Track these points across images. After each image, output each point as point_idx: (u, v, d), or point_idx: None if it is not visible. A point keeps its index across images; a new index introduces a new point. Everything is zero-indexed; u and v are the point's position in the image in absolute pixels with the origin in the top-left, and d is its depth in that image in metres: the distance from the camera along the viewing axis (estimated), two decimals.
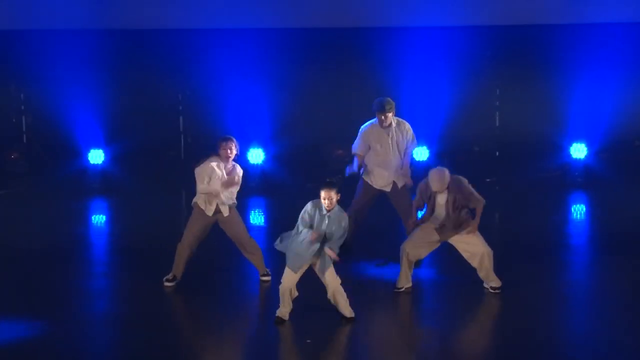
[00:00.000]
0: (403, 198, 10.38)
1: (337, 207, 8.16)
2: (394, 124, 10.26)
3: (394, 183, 10.34)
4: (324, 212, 8.12)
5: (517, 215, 13.21)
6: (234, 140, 9.41)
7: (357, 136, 10.39)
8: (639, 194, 14.55)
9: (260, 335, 8.18)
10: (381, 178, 10.35)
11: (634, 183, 15.12)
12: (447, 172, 8.95)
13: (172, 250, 9.56)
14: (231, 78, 15.80)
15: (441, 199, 9.00)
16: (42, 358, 7.78)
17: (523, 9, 15.27)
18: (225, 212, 9.35)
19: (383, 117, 10.13)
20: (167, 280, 9.48)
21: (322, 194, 8.12)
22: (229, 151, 9.32)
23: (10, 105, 16.19)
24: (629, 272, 10.14)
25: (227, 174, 9.34)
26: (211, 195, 9.26)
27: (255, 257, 9.56)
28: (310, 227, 8.12)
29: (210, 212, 9.32)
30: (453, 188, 8.97)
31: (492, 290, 9.13)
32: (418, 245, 9.13)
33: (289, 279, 8.21)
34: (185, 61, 15.77)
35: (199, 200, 9.37)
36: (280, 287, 8.24)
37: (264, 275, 9.58)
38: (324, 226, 8.11)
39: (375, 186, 10.40)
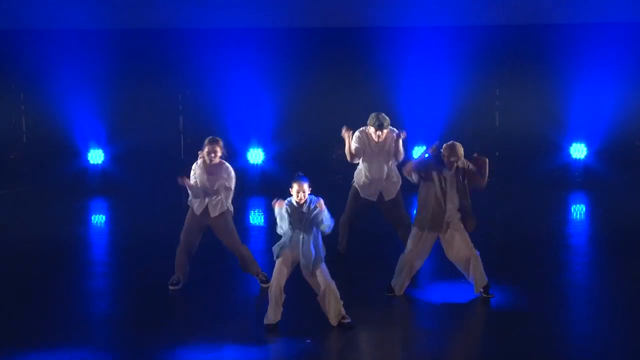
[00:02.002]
0: (395, 209, 10.36)
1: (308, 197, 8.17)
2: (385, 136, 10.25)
3: (381, 194, 10.32)
4: (301, 208, 8.10)
5: (517, 215, 13.22)
6: (220, 141, 9.36)
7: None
8: (639, 194, 14.57)
9: (260, 335, 8.18)
10: (366, 187, 10.33)
11: (634, 183, 15.13)
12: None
13: (172, 250, 9.56)
14: (231, 78, 15.81)
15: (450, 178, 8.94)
16: (42, 358, 7.78)
17: (523, 9, 15.27)
18: (213, 213, 9.34)
19: (380, 133, 10.11)
20: (172, 284, 9.46)
21: (303, 186, 8.08)
22: (212, 155, 9.30)
23: (10, 104, 16.19)
24: (629, 272, 10.14)
25: (209, 174, 9.32)
26: (200, 193, 9.29)
27: (249, 264, 9.54)
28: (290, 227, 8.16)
29: (198, 210, 9.32)
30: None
31: (485, 295, 9.09)
32: (421, 255, 9.11)
33: (278, 275, 8.18)
34: (185, 61, 15.79)
35: (189, 199, 9.42)
36: (270, 287, 8.21)
37: (263, 282, 9.55)
38: (304, 220, 8.12)
39: (361, 195, 10.36)
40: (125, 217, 13.88)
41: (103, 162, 15.88)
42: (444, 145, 8.97)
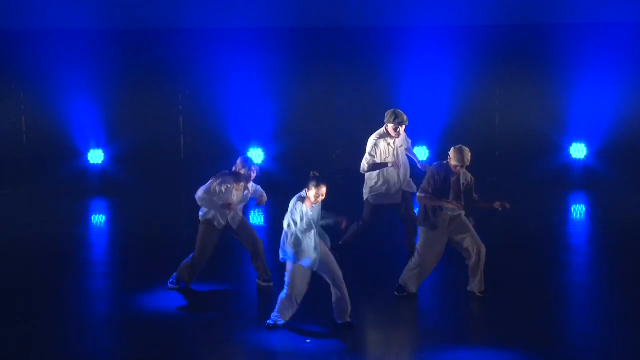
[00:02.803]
0: (409, 208, 10.35)
1: None
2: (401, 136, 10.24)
3: (402, 193, 10.28)
4: (315, 207, 8.12)
5: (517, 215, 13.20)
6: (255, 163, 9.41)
7: (368, 149, 10.18)
8: (639, 194, 14.57)
9: (261, 335, 8.18)
10: (390, 194, 10.24)
11: (634, 183, 15.13)
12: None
13: (172, 250, 9.56)
14: (231, 78, 15.81)
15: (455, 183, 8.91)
16: (42, 358, 7.78)
17: (523, 8, 15.27)
18: (234, 225, 9.37)
19: (401, 129, 10.09)
20: (172, 283, 9.49)
21: (322, 190, 8.05)
22: (252, 175, 9.30)
23: (10, 104, 16.19)
24: (629, 272, 10.14)
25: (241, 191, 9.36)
26: (223, 208, 9.28)
27: (261, 261, 9.54)
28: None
29: (220, 226, 9.34)
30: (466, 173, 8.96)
31: (478, 294, 9.10)
32: (436, 259, 9.13)
33: (305, 281, 8.19)
34: (185, 61, 15.78)
35: (208, 216, 9.35)
36: (291, 291, 8.17)
37: (266, 281, 9.54)
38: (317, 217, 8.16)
39: (385, 202, 10.26)
40: (125, 217, 13.87)
41: (103, 162, 15.88)
42: (452, 148, 8.91)
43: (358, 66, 15.70)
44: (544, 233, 12.15)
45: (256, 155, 15.46)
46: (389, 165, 10.09)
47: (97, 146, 15.91)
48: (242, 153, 15.33)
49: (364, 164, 10.16)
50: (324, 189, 8.04)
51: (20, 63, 15.82)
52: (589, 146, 15.63)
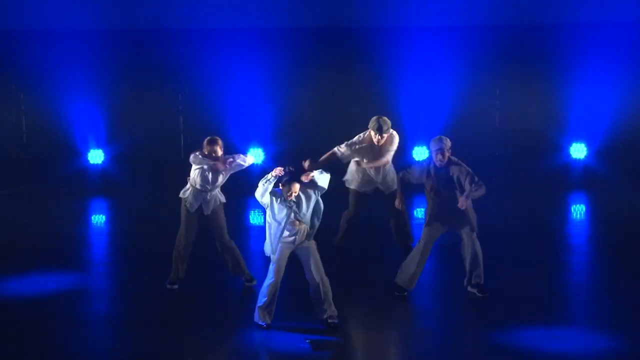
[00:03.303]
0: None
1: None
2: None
3: (378, 188, 10.34)
4: (290, 202, 8.08)
5: (517, 215, 13.23)
6: (219, 141, 9.32)
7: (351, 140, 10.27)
8: (639, 194, 14.57)
9: (260, 335, 8.18)
10: (365, 183, 10.34)
11: (634, 183, 15.13)
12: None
13: (171, 250, 9.55)
14: (231, 78, 15.80)
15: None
16: (42, 358, 7.78)
17: (523, 8, 15.27)
18: (206, 211, 9.35)
19: (379, 137, 10.09)
20: (170, 284, 9.49)
21: (293, 187, 7.98)
22: (213, 155, 9.27)
23: (10, 104, 16.19)
24: (629, 272, 10.14)
25: (214, 171, 9.31)
26: (198, 191, 9.28)
27: (233, 260, 9.53)
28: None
29: (192, 208, 9.32)
30: (454, 166, 8.97)
31: (479, 294, 9.11)
32: (429, 248, 9.15)
33: (279, 274, 8.19)
34: (185, 61, 15.78)
35: (184, 195, 9.38)
36: (270, 284, 8.17)
37: (248, 280, 9.57)
38: (300, 212, 8.11)
39: (360, 190, 10.38)
40: (125, 217, 13.88)
41: (103, 162, 15.89)
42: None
43: (358, 66, 15.70)
44: (544, 233, 12.15)
45: (256, 155, 15.47)
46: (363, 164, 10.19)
47: (97, 146, 15.92)
48: (242, 153, 15.31)
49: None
50: (295, 187, 8.01)
51: (20, 63, 15.81)
52: (589, 146, 15.63)
